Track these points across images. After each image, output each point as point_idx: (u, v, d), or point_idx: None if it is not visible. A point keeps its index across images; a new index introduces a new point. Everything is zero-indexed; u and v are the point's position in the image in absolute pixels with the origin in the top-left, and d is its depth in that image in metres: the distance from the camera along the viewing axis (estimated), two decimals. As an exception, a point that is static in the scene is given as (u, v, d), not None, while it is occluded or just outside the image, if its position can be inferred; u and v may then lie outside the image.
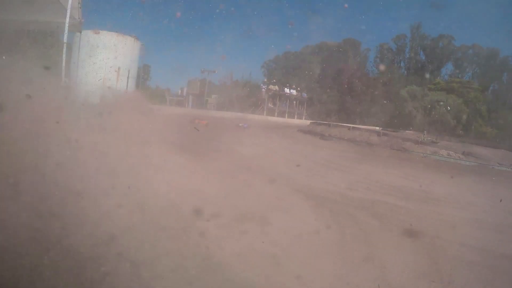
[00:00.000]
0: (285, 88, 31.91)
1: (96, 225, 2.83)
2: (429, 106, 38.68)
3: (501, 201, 6.86)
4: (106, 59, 17.62)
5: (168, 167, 5.13)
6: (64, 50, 9.12)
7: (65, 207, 2.87)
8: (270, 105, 30.15)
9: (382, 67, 72.98)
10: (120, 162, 4.21)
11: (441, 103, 36.44)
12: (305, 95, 33.78)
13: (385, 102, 42.57)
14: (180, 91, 29.02)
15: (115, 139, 4.84)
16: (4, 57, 7.24)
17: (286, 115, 31.63)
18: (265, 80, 34.16)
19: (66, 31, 8.37)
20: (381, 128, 28.45)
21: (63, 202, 2.91)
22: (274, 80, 33.53)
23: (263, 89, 30.20)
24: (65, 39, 8.94)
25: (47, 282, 2.15)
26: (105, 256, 2.51)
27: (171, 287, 2.58)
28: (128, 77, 18.53)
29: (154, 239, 2.97)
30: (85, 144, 3.96)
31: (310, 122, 23.16)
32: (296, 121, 30.18)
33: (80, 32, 11.04)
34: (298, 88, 33.30)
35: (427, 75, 68.68)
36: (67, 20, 8.18)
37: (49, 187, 2.97)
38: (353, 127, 18.31)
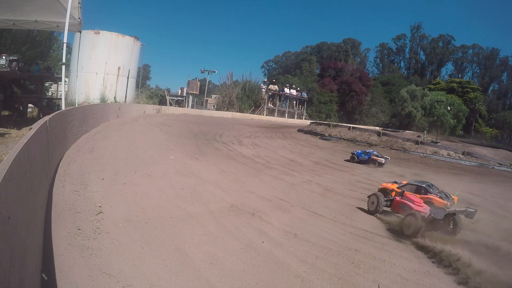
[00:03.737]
0: (285, 88, 31.84)
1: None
2: (429, 106, 38.65)
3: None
4: (106, 59, 17.64)
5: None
6: (64, 50, 9.11)
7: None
8: (270, 105, 30.08)
9: (382, 67, 73.05)
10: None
11: (441, 103, 36.39)
12: (305, 95, 33.71)
13: (385, 102, 42.60)
14: (180, 91, 28.98)
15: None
16: (3, 57, 7.25)
17: (286, 115, 31.56)
18: (265, 80, 34.09)
19: (66, 31, 8.34)
20: (381, 128, 28.45)
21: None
22: (274, 80, 33.46)
23: (263, 89, 30.11)
24: (65, 39, 8.92)
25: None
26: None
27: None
28: (128, 77, 18.54)
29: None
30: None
31: (310, 122, 23.14)
32: (296, 121, 30.11)
33: (80, 32, 11.00)
34: (298, 88, 33.23)
35: (427, 75, 68.85)
36: (67, 20, 8.15)
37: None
38: (353, 127, 18.28)
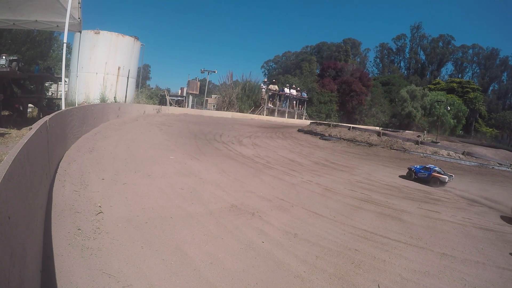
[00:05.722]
0: (285, 88, 31.85)
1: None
2: (429, 106, 38.66)
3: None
4: (106, 59, 17.65)
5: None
6: (64, 50, 9.11)
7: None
8: (270, 105, 30.09)
9: (382, 67, 72.98)
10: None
11: (441, 103, 36.39)
12: (305, 95, 33.72)
13: (385, 102, 42.60)
14: (180, 91, 29.00)
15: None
16: (3, 57, 7.25)
17: (286, 115, 31.56)
18: (265, 80, 34.10)
19: (66, 31, 8.34)
20: (381, 128, 28.45)
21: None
22: (274, 80, 33.47)
23: (263, 89, 30.12)
24: (65, 39, 8.92)
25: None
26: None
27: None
28: (128, 77, 18.54)
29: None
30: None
31: (310, 122, 23.14)
32: (296, 121, 30.12)
33: (80, 32, 11.01)
34: (298, 88, 33.24)
35: (427, 75, 68.88)
36: (67, 20, 8.15)
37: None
38: (353, 127, 18.28)
